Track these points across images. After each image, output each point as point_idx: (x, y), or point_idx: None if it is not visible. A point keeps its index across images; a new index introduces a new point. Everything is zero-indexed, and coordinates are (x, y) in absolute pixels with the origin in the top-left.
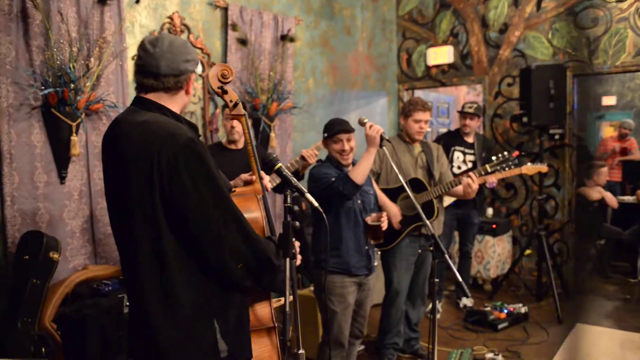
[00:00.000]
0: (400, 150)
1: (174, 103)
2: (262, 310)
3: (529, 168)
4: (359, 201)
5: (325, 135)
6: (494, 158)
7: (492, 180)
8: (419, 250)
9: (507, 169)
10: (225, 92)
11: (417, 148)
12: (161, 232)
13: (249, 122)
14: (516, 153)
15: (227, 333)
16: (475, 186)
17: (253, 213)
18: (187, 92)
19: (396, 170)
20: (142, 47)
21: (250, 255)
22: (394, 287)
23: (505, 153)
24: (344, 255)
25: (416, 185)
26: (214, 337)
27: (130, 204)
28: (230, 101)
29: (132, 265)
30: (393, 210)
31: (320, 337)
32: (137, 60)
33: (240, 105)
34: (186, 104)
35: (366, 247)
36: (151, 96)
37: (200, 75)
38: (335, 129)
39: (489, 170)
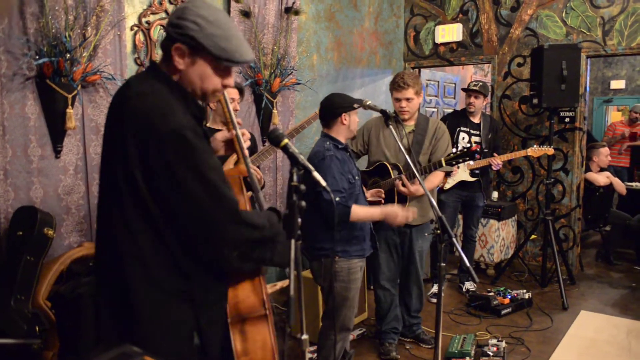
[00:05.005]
0: (387, 129)
1: (175, 74)
2: (251, 297)
3: (535, 150)
4: (357, 177)
5: (344, 108)
6: (454, 150)
7: (498, 162)
8: (427, 235)
9: (463, 163)
10: None
11: (409, 128)
12: (145, 211)
13: (228, 97)
14: (475, 147)
15: (203, 323)
16: (403, 189)
17: None
18: (175, 62)
19: (405, 155)
20: None
21: (244, 242)
22: (375, 270)
23: (468, 145)
24: (361, 241)
25: (383, 171)
26: (190, 326)
27: (117, 176)
28: None
29: (113, 241)
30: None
31: (320, 322)
32: None
33: None
34: (193, 85)
35: (370, 227)
36: (161, 62)
37: None
38: (356, 102)
39: (444, 164)
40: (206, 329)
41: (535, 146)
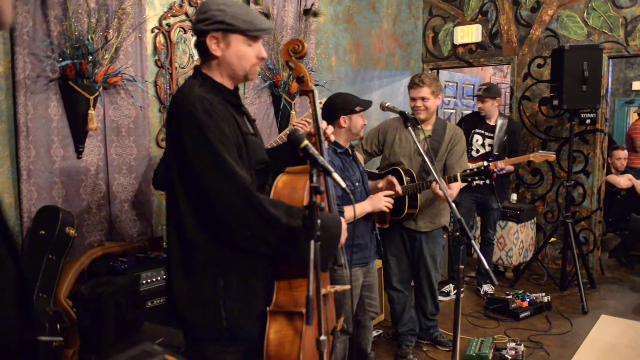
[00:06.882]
0: (403, 132)
1: (213, 69)
2: (295, 292)
3: (537, 156)
4: (358, 184)
5: (343, 110)
6: (472, 167)
7: (501, 166)
8: (446, 237)
9: (479, 181)
10: (290, 67)
11: (427, 131)
12: (176, 192)
13: (317, 98)
14: (493, 166)
15: (229, 303)
16: (440, 193)
17: (296, 191)
18: (213, 56)
19: (426, 159)
20: None
21: (255, 221)
22: (386, 272)
23: (486, 163)
24: (363, 249)
25: (396, 176)
26: (217, 303)
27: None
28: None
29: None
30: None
31: None
32: None
33: (307, 79)
34: (233, 66)
35: (374, 233)
36: (201, 63)
37: None
38: (359, 104)
39: (459, 178)
40: (230, 310)
41: (539, 151)
